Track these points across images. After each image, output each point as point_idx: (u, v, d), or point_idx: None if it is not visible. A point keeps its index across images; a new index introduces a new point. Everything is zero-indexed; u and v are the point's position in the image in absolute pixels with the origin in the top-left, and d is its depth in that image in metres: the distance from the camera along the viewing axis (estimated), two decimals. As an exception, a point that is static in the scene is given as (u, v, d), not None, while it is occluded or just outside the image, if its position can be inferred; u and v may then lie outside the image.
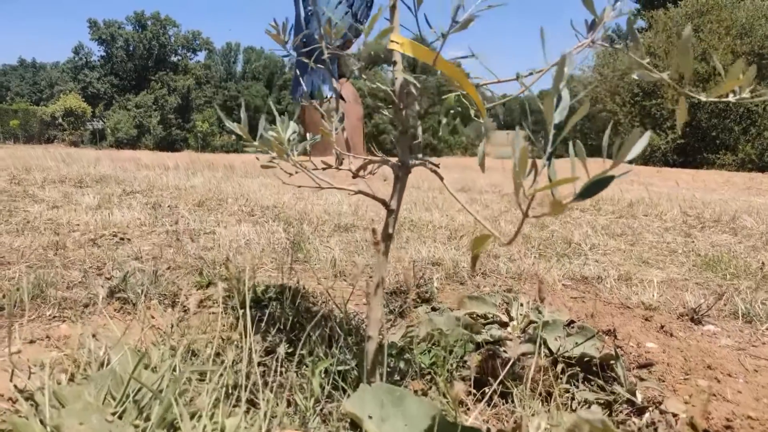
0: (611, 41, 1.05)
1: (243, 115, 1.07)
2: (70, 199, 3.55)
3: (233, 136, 66.75)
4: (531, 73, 1.03)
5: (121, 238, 2.43)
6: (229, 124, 1.05)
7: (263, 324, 1.31)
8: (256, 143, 1.00)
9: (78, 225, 2.70)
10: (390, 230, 1.01)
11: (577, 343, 1.22)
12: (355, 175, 1.15)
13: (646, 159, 21.11)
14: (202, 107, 50.94)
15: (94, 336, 1.26)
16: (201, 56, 55.36)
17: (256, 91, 62.27)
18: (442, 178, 0.97)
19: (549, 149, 0.70)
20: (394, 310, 1.50)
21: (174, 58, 51.17)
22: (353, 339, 1.27)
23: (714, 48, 21.41)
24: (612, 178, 0.67)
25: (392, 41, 0.99)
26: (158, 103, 47.69)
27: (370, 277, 1.94)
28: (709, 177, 11.74)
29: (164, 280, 1.66)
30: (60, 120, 31.09)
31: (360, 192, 1.06)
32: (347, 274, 1.92)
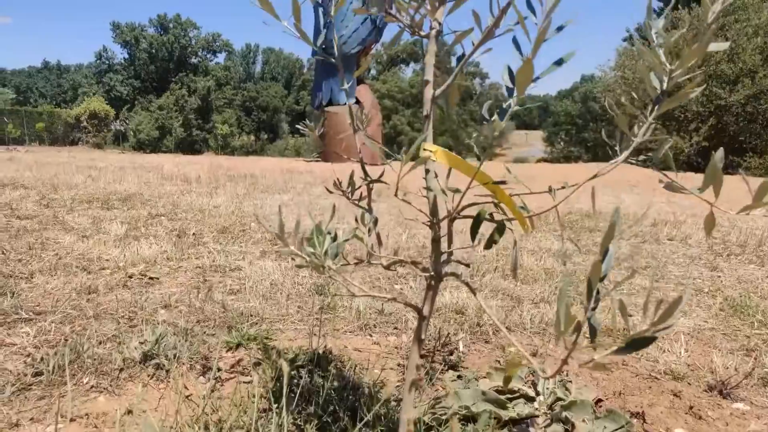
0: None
1: (279, 220, 1.09)
2: (98, 226, 3.63)
3: (252, 137, 67.41)
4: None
5: (150, 278, 2.48)
6: (267, 226, 1.08)
7: (295, 397, 1.33)
8: (293, 249, 1.02)
9: (107, 260, 2.76)
10: (422, 335, 1.03)
11: (605, 427, 1.22)
12: (387, 268, 1.17)
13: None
14: (222, 108, 51.52)
15: (129, 412, 1.30)
16: (221, 58, 55.98)
17: (275, 92, 62.72)
18: (474, 293, 0.98)
19: (591, 308, 0.71)
20: (420, 374, 1.51)
21: (194, 60, 51.77)
22: (383, 409, 1.29)
23: (742, 48, 20.97)
24: (654, 339, 0.68)
25: (425, 149, 1.00)
26: (179, 104, 48.29)
27: (396, 328, 1.96)
28: (734, 185, 11.53)
29: (195, 339, 1.70)
30: (85, 123, 31.69)
31: (393, 300, 1.08)
32: (372, 326, 1.94)
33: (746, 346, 1.94)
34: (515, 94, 0.88)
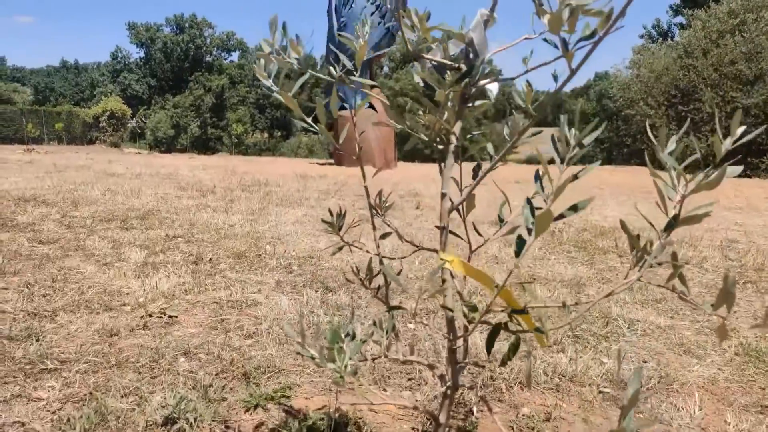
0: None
1: (301, 327, 1.12)
2: (118, 251, 3.70)
3: (265, 134, 67.72)
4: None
5: (170, 316, 2.54)
6: (297, 343, 1.11)
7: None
8: (315, 355, 1.05)
9: (128, 294, 2.83)
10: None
11: None
12: (407, 358, 1.19)
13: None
14: (236, 106, 51.86)
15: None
16: (234, 56, 56.29)
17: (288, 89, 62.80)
18: (491, 410, 1.00)
19: None
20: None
21: (208, 59, 52.14)
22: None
23: (763, 48, 20.60)
24: None
25: (442, 259, 1.02)
26: (195, 102, 48.71)
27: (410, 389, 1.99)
28: (752, 191, 11.36)
29: (215, 396, 1.74)
30: (103, 123, 32.23)
31: (415, 408, 1.10)
32: (387, 378, 1.97)
33: (761, 401, 1.93)
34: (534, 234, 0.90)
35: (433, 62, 1.07)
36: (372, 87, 15.54)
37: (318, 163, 15.84)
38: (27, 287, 2.85)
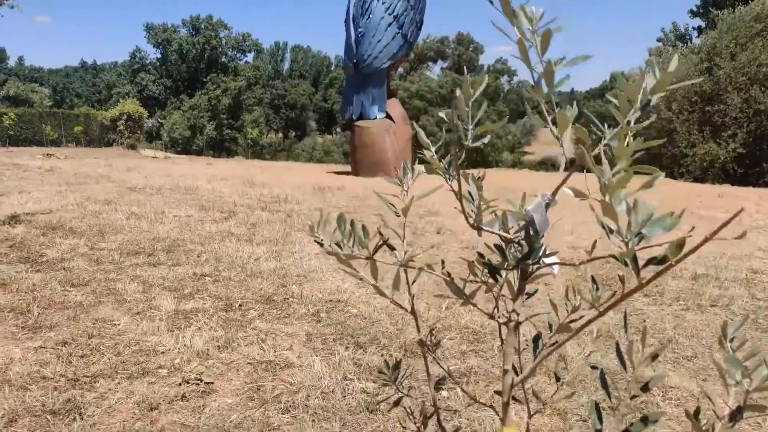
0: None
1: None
2: (148, 296, 3.75)
3: (280, 135, 67.78)
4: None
5: (206, 383, 2.58)
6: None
7: None
8: None
9: (163, 353, 2.88)
10: None
11: None
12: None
13: (705, 170, 20.15)
14: (251, 107, 52.19)
15: None
16: (249, 57, 56.65)
17: (303, 90, 63.18)
18: None
19: None
20: None
21: (223, 59, 52.49)
22: None
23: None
24: None
25: (505, 437, 1.03)
26: (211, 103, 49.10)
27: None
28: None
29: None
30: (121, 127, 32.81)
31: None
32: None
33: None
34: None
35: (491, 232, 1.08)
36: (390, 96, 15.51)
37: (335, 172, 15.87)
38: (64, 346, 2.91)
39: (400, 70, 51.23)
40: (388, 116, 13.95)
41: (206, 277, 4.32)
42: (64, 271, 4.30)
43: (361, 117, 14.02)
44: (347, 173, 15.11)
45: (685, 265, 5.36)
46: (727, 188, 14.86)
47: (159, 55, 51.21)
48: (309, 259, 5.00)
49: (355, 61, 13.67)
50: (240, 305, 3.70)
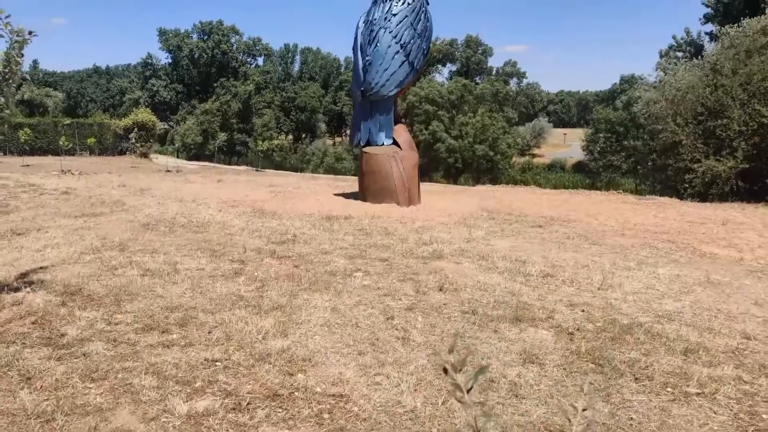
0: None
1: None
2: (162, 394, 4.01)
3: (290, 136, 68.11)
4: None
5: None
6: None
7: None
8: None
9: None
10: None
11: None
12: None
13: (707, 187, 19.97)
14: (262, 111, 52.59)
15: None
16: (260, 61, 56.97)
17: (312, 92, 63.41)
18: None
19: None
20: None
21: (234, 64, 52.89)
22: None
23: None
24: None
25: None
26: (222, 108, 49.55)
27: None
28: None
29: None
30: (133, 139, 33.54)
31: None
32: None
33: None
34: None
35: None
36: (396, 122, 15.74)
37: (343, 195, 16.06)
38: (87, 468, 3.17)
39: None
40: (395, 142, 14.12)
41: (216, 363, 4.57)
42: (84, 357, 4.57)
43: (368, 143, 14.20)
44: (354, 194, 15.29)
45: (681, 330, 5.49)
46: (732, 211, 14.83)
47: (170, 60, 51.76)
48: (313, 335, 5.23)
49: (362, 89, 13.85)
50: (248, 405, 3.94)
